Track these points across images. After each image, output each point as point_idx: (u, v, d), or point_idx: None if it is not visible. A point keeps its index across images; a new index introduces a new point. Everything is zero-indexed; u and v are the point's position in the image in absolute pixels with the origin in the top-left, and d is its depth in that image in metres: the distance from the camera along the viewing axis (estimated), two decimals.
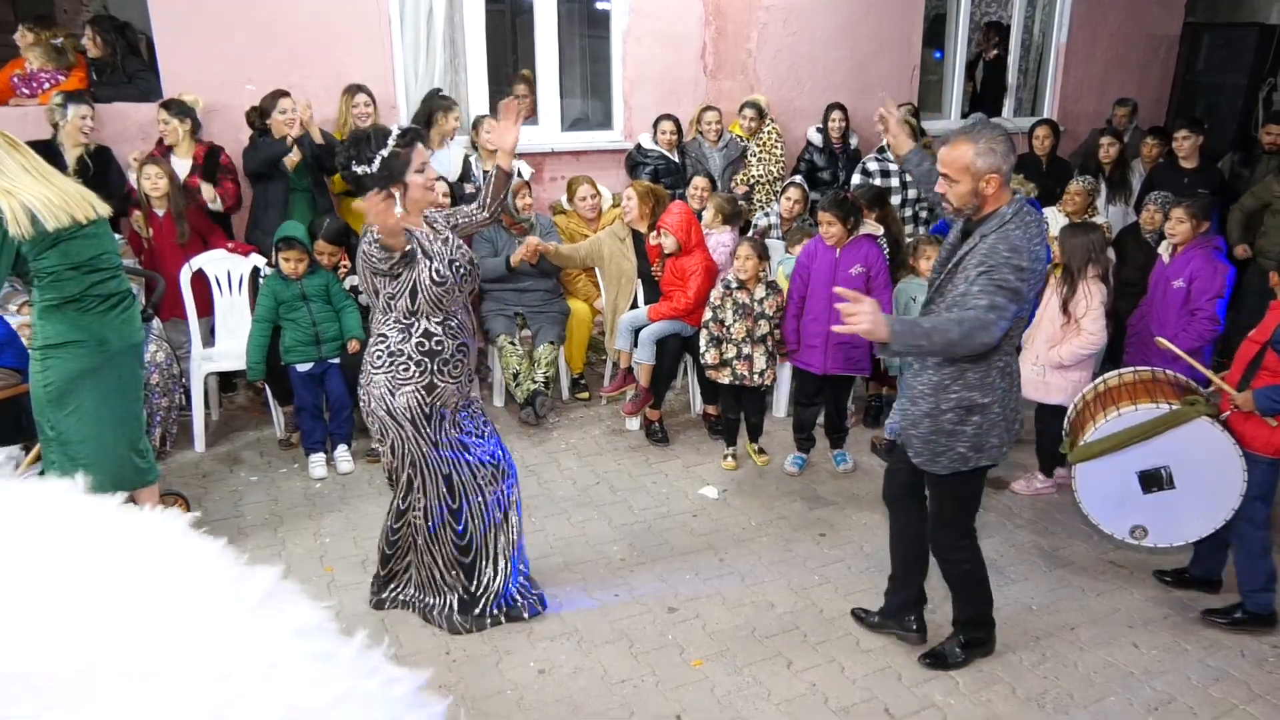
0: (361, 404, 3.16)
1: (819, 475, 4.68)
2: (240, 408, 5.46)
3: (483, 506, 3.26)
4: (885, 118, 3.27)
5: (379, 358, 3.06)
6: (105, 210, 3.34)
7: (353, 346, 4.62)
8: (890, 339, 2.53)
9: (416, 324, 3.03)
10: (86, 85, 5.21)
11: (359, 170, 2.90)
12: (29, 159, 3.18)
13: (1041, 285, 4.41)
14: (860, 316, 2.51)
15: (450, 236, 3.16)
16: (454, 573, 3.33)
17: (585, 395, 5.62)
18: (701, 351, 4.66)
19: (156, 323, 4.70)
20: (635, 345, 4.95)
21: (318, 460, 4.60)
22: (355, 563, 3.82)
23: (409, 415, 3.06)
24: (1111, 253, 4.25)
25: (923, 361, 2.89)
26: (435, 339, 3.04)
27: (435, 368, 3.04)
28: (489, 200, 3.40)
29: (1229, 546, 3.54)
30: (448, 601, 3.37)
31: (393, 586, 3.51)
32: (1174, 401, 3.46)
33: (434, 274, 2.98)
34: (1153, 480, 3.48)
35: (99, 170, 4.76)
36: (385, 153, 2.88)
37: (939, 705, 3.02)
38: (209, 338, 5.04)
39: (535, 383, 5.11)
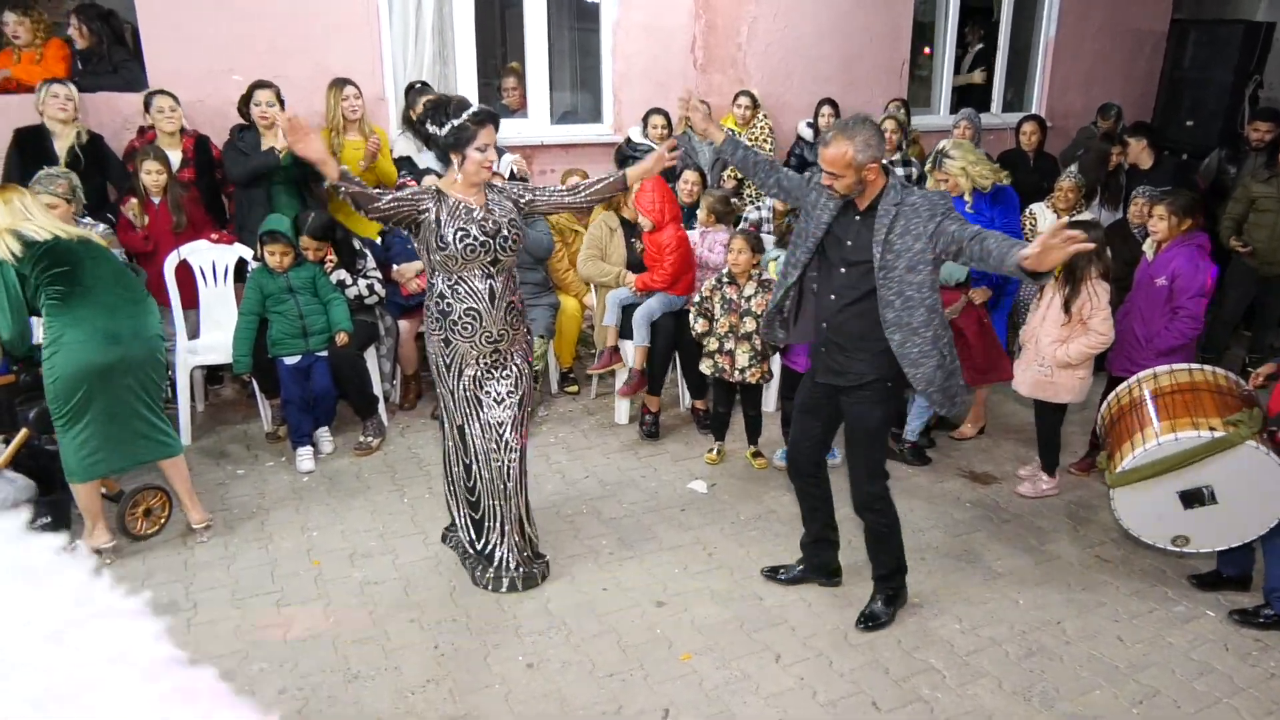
0: None
1: None
2: (226, 401, 5.43)
3: (489, 473, 3.49)
4: (690, 110, 3.42)
5: (425, 308, 3.44)
6: (97, 239, 3.60)
7: (341, 339, 4.59)
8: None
9: (435, 284, 3.32)
10: (67, 73, 5.15)
11: (431, 129, 3.20)
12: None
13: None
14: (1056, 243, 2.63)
15: (479, 210, 3.27)
16: (464, 516, 3.64)
17: (574, 389, 5.61)
18: (690, 322, 4.63)
19: None
20: (619, 322, 5.00)
21: (305, 454, 4.57)
22: (343, 556, 3.81)
23: (433, 361, 3.43)
24: (1108, 252, 4.25)
25: (906, 328, 3.01)
26: (446, 300, 3.30)
27: (448, 325, 3.31)
28: (592, 193, 3.53)
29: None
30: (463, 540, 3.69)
31: (449, 528, 3.83)
32: (1215, 422, 3.36)
33: (438, 239, 3.20)
34: (1194, 498, 3.42)
35: (93, 162, 4.71)
36: (456, 123, 3.14)
37: (926, 699, 3.04)
38: (194, 330, 5.00)
39: None
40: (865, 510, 3.35)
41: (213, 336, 4.96)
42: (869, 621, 3.40)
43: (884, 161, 3.03)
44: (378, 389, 4.94)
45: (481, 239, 3.24)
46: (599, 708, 2.97)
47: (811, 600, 3.56)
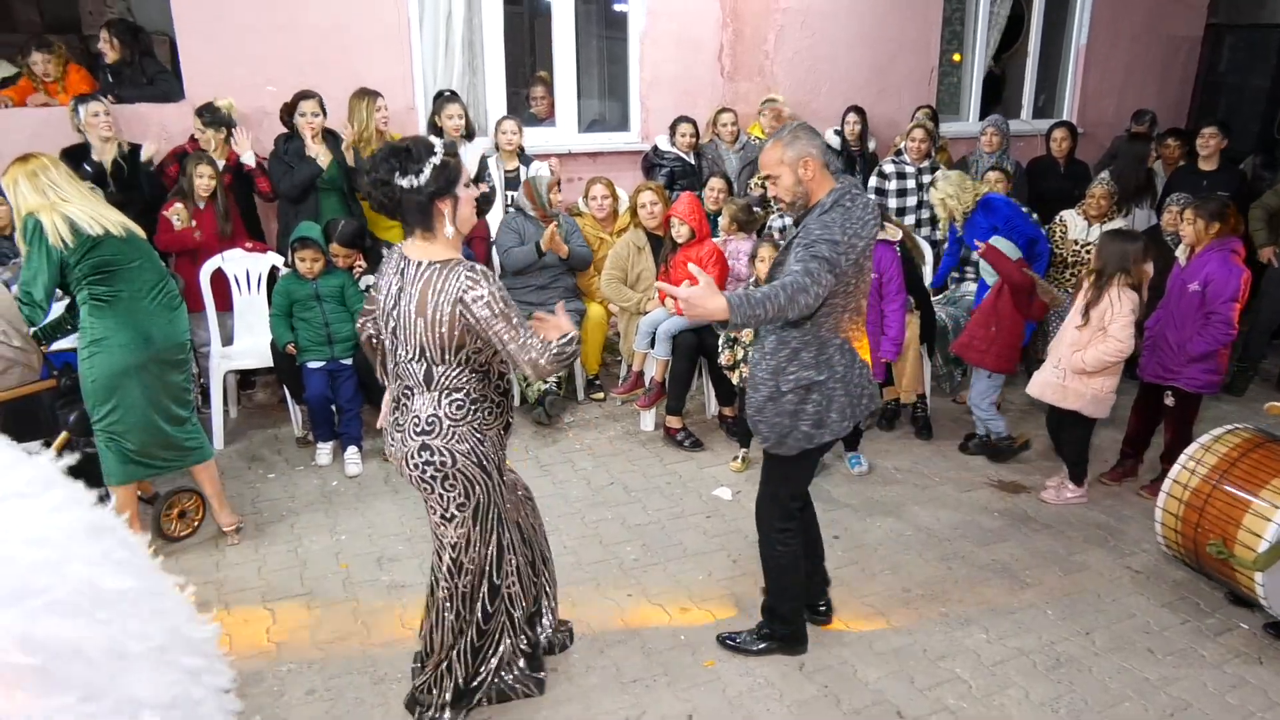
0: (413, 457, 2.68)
1: (833, 478, 4.67)
2: (259, 405, 5.52)
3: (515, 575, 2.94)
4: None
5: (458, 408, 2.63)
6: (139, 231, 3.62)
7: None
8: (730, 314, 2.61)
9: (494, 367, 2.71)
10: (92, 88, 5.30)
11: (404, 183, 2.48)
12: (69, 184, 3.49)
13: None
14: (696, 298, 2.59)
15: None
16: (464, 645, 2.87)
17: (600, 396, 5.64)
18: (720, 348, 4.68)
19: None
20: (652, 345, 4.99)
21: (325, 449, 4.68)
22: (370, 560, 3.85)
23: (478, 459, 2.68)
24: (1150, 266, 4.18)
25: (760, 349, 2.99)
26: (506, 379, 2.80)
27: (509, 406, 2.81)
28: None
29: None
30: (443, 694, 2.87)
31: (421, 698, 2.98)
32: None
33: None
34: None
35: (134, 171, 4.85)
36: (436, 161, 2.50)
37: (951, 709, 3.02)
38: (229, 336, 5.09)
39: (546, 383, 5.13)
40: (760, 531, 3.24)
41: (246, 342, 5.04)
42: (731, 639, 3.32)
43: (827, 161, 2.91)
44: None
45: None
46: (623, 713, 2.98)
47: (837, 608, 3.53)
